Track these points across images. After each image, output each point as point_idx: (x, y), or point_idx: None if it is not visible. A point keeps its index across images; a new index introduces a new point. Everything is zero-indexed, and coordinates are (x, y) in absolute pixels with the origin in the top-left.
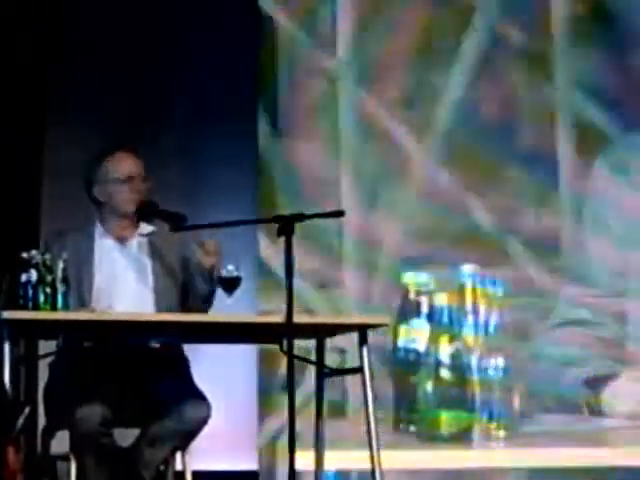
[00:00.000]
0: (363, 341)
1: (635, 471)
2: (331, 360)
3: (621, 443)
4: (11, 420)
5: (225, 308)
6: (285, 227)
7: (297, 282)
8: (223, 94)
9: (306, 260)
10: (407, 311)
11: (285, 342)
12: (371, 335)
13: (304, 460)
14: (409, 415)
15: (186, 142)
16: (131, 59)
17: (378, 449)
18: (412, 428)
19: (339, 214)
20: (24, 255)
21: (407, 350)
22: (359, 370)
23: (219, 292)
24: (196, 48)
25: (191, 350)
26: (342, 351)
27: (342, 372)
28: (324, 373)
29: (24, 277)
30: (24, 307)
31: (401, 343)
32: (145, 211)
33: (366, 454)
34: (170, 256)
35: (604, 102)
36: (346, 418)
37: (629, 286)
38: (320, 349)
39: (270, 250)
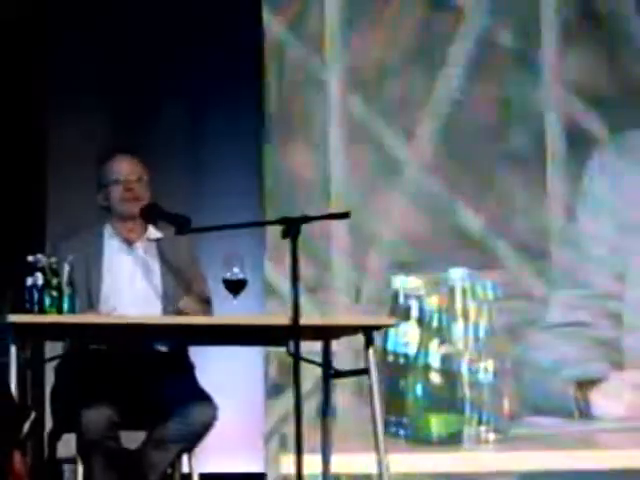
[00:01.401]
0: (369, 343)
1: (625, 474)
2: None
3: (611, 446)
4: (17, 425)
5: (231, 310)
6: (291, 229)
7: (286, 286)
8: (226, 96)
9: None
10: (397, 314)
11: (292, 344)
12: (361, 337)
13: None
14: (399, 418)
15: (190, 145)
16: (135, 64)
17: (385, 452)
18: (402, 431)
19: (345, 216)
20: (30, 259)
21: (397, 353)
22: (365, 372)
23: (225, 294)
24: (198, 51)
25: (197, 352)
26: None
27: (348, 374)
28: (330, 375)
29: (30, 281)
30: (30, 311)
31: (391, 346)
32: (150, 213)
33: (358, 457)
34: (177, 259)
35: (594, 103)
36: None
37: (625, 287)
38: (326, 351)
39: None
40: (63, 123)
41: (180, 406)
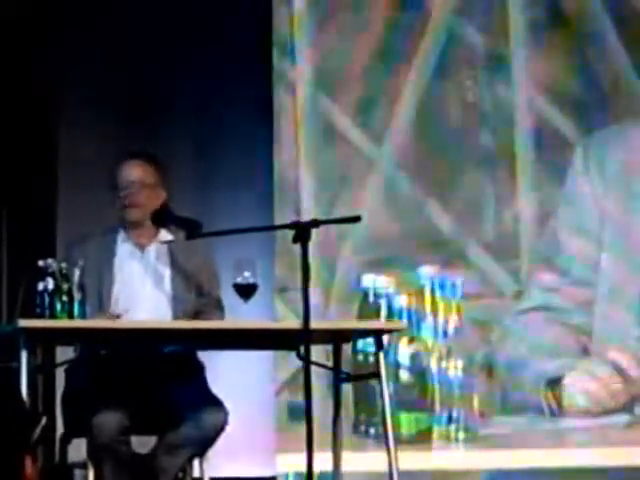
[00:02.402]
0: (380, 346)
1: (595, 471)
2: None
3: (580, 444)
4: (28, 430)
5: (242, 314)
6: (301, 234)
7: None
8: (238, 99)
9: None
10: (366, 313)
11: (302, 348)
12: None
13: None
14: (368, 417)
15: (201, 148)
16: (147, 69)
17: (396, 453)
18: (371, 430)
19: (356, 219)
20: (40, 263)
21: (366, 352)
22: (376, 375)
23: (236, 298)
24: (207, 52)
25: (208, 356)
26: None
27: (359, 377)
28: (342, 379)
29: (41, 286)
30: (41, 316)
31: (360, 345)
32: (160, 218)
33: (326, 456)
34: (189, 262)
35: (563, 104)
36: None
37: (597, 276)
38: (337, 354)
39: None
40: (72, 126)
41: (191, 411)
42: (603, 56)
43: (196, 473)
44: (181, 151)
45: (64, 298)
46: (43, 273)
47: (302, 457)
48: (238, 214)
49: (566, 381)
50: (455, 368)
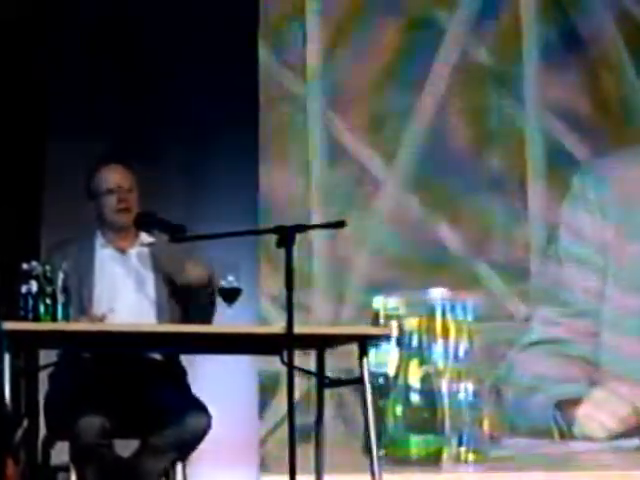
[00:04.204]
0: (363, 352)
1: None
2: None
3: (591, 467)
4: (9, 432)
5: (225, 319)
6: (285, 238)
7: (266, 306)
8: (223, 106)
9: (274, 284)
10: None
11: (285, 353)
12: (343, 358)
13: None
14: (379, 439)
15: (186, 153)
16: (132, 73)
17: (379, 463)
18: (382, 452)
19: (340, 225)
20: (24, 266)
21: (377, 374)
22: (359, 381)
23: (219, 302)
24: (195, 61)
25: (191, 360)
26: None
27: (342, 383)
28: (325, 384)
29: (24, 288)
30: (24, 318)
31: (371, 367)
32: (144, 221)
33: (336, 477)
34: (170, 267)
35: (574, 126)
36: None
37: (602, 307)
38: (320, 360)
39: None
40: (60, 131)
41: (174, 415)
42: (615, 77)
43: (179, 477)
44: (167, 157)
45: (48, 301)
46: (27, 276)
47: (310, 478)
48: (223, 219)
49: (579, 412)
50: (465, 390)
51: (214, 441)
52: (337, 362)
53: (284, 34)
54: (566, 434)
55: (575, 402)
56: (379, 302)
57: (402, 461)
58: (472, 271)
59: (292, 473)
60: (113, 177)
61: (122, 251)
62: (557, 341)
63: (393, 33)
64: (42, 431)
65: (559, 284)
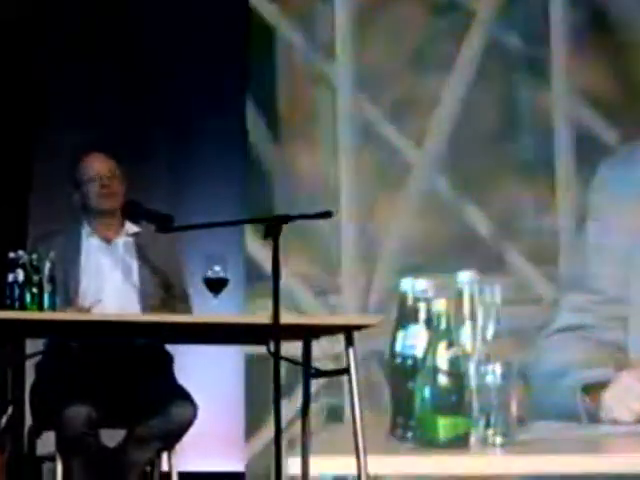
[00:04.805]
0: (350, 342)
1: (633, 478)
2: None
3: (618, 450)
4: None
5: (212, 309)
6: (272, 228)
7: (296, 289)
8: (212, 94)
9: (304, 267)
10: (405, 317)
11: (272, 343)
12: (371, 340)
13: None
14: (406, 421)
15: (174, 142)
16: (119, 61)
17: (365, 453)
18: (409, 434)
19: (327, 215)
20: (11, 255)
21: (405, 356)
22: (346, 371)
23: (206, 293)
24: (184, 49)
25: (177, 350)
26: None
27: (329, 374)
28: (311, 374)
29: (11, 277)
30: (11, 307)
31: (399, 349)
32: (131, 211)
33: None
34: (156, 256)
35: (603, 110)
36: (344, 422)
37: (630, 292)
38: (307, 350)
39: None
40: (47, 122)
41: (160, 405)
42: None
43: (164, 467)
44: (154, 147)
45: (34, 290)
46: (13, 264)
47: (336, 460)
48: (210, 209)
49: (606, 395)
50: (493, 373)
51: (200, 430)
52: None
53: (313, 17)
54: (593, 417)
55: (602, 386)
56: (407, 285)
57: (429, 443)
58: (500, 254)
59: (278, 461)
60: (94, 165)
61: (108, 241)
62: (585, 327)
63: (422, 16)
64: (28, 421)
65: (587, 270)
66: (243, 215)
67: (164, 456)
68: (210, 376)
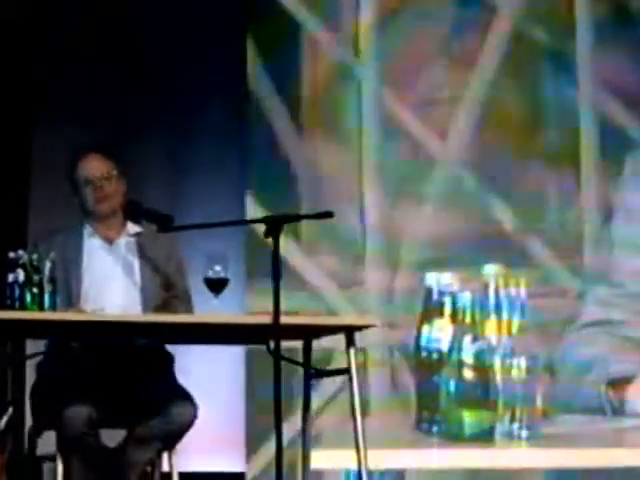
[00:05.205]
0: (350, 342)
1: None
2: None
3: None
4: None
5: (212, 309)
6: (273, 228)
7: (321, 282)
8: (210, 90)
9: (329, 260)
10: (430, 311)
11: (272, 343)
12: (396, 334)
13: (327, 459)
14: (432, 414)
15: (174, 141)
16: (117, 58)
17: (365, 449)
18: (435, 428)
19: (327, 215)
20: (11, 255)
21: (430, 349)
22: (346, 371)
23: (207, 292)
24: (184, 49)
25: (178, 350)
26: (363, 350)
27: (329, 373)
28: (311, 374)
29: (11, 277)
30: (11, 307)
31: (424, 342)
32: (131, 211)
33: (389, 453)
34: (157, 255)
35: (628, 102)
36: (369, 416)
37: None
38: (307, 350)
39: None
40: (47, 120)
41: (160, 405)
42: None
43: (165, 467)
44: (153, 145)
45: (34, 290)
46: (14, 264)
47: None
48: (211, 208)
49: (631, 390)
50: (518, 367)
51: (200, 431)
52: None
53: (338, 10)
54: (618, 411)
55: (627, 380)
56: (432, 279)
57: (455, 437)
58: (525, 248)
59: (279, 455)
60: (90, 166)
61: (110, 241)
62: (611, 323)
63: (446, 10)
64: (28, 421)
65: (612, 264)
66: (244, 214)
67: (165, 456)
68: (210, 376)
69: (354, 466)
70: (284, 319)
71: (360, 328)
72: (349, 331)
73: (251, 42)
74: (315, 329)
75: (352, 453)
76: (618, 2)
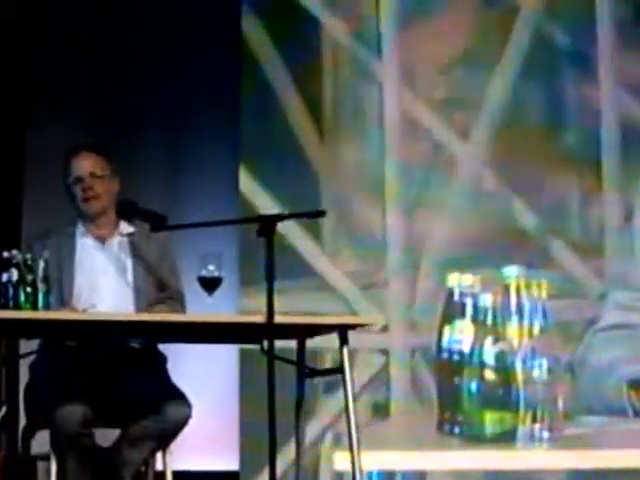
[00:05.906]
0: (343, 342)
1: None
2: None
3: None
4: None
5: (206, 308)
6: (266, 228)
7: (343, 283)
8: (210, 94)
9: (351, 261)
10: (451, 312)
11: (266, 342)
12: (418, 335)
13: (346, 460)
14: (453, 416)
15: (171, 141)
16: (115, 56)
17: (359, 449)
18: (456, 429)
19: (320, 214)
20: (5, 254)
21: (451, 351)
22: (339, 371)
23: (201, 291)
24: (183, 48)
25: (171, 349)
26: (385, 352)
27: (323, 373)
28: (305, 374)
29: (5, 276)
30: (5, 306)
31: (445, 344)
32: (124, 210)
33: (411, 454)
34: (151, 255)
35: None
36: (389, 418)
37: None
38: (301, 350)
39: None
40: (41, 119)
41: (154, 404)
42: None
43: (159, 466)
44: (150, 145)
45: (28, 289)
46: (7, 264)
47: (384, 455)
48: (205, 207)
49: None
50: (540, 368)
51: (195, 430)
52: None
53: (359, 12)
54: (639, 413)
55: None
56: (454, 279)
57: (476, 438)
58: (547, 248)
59: (272, 455)
60: (81, 165)
61: (102, 240)
62: (633, 326)
63: (468, 11)
64: (22, 420)
65: (633, 266)
66: (238, 214)
67: (159, 455)
68: (204, 375)
69: (376, 468)
70: (278, 318)
71: (354, 327)
72: (342, 330)
73: (269, 41)
74: (309, 328)
75: (374, 455)
76: (639, 2)
